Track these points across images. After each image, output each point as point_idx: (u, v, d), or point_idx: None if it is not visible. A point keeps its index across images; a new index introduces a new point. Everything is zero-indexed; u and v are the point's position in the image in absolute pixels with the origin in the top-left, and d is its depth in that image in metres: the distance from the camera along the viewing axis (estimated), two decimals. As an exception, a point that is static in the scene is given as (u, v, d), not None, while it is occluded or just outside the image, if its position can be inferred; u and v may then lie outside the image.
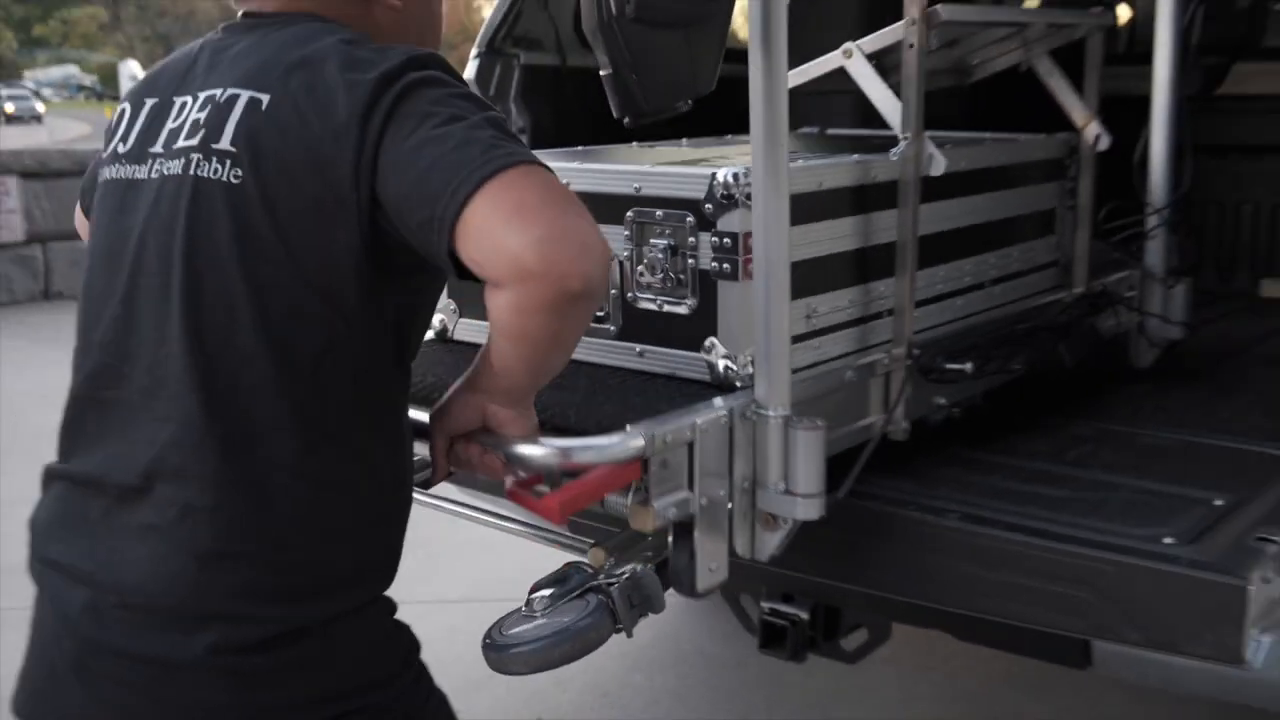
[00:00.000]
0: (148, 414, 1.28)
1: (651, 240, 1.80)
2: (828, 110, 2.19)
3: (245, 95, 1.27)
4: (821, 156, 2.01)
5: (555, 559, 1.57)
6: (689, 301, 1.78)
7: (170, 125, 1.33)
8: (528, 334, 1.24)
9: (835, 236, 1.93)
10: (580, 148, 2.24)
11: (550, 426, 1.51)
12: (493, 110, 1.29)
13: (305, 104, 1.24)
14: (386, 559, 1.40)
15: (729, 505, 1.64)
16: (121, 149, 1.38)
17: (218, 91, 1.30)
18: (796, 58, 1.63)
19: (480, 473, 1.47)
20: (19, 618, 3.84)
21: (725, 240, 1.69)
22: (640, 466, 1.50)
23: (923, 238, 2.04)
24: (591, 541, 1.60)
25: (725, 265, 1.70)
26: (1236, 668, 1.59)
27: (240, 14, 1.41)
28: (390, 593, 1.43)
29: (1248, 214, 4.03)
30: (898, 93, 2.03)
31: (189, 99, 1.33)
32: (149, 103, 1.39)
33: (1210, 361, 2.87)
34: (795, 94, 1.69)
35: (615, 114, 1.52)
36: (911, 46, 1.98)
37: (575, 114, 2.67)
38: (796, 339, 1.72)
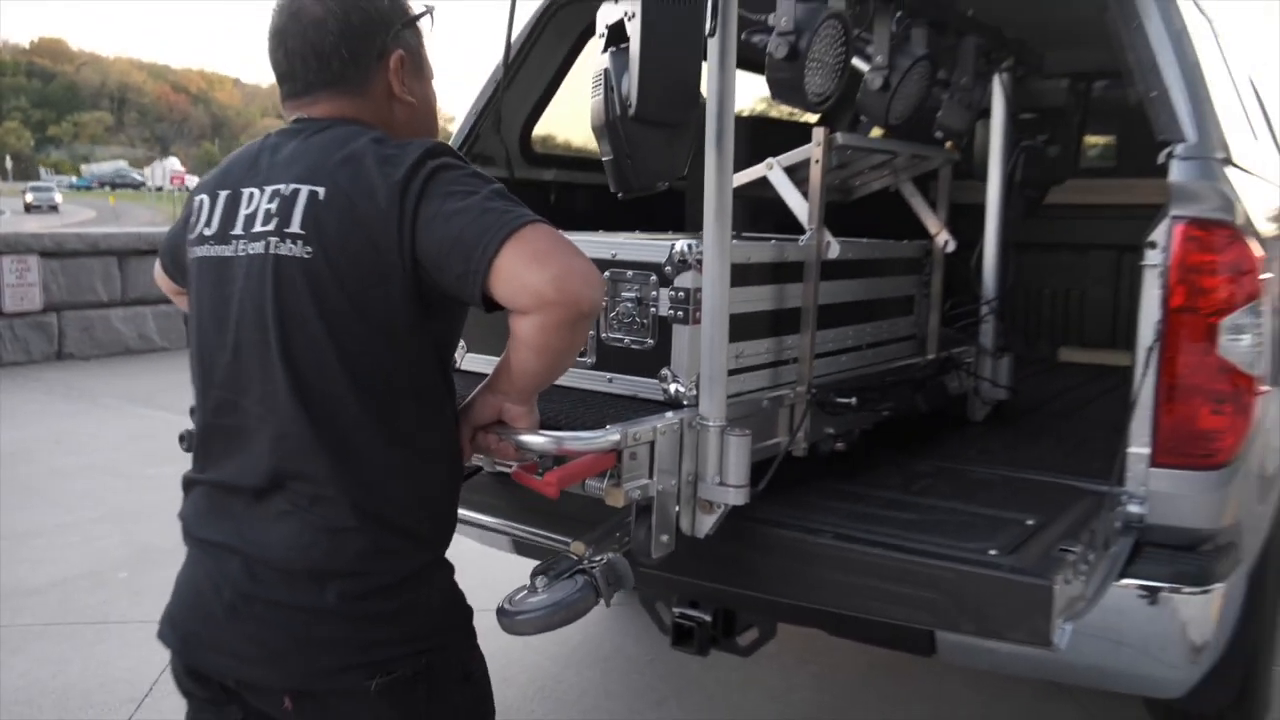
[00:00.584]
0: (264, 433, 1.40)
1: (622, 294, 1.94)
2: (752, 209, 2.31)
3: (305, 189, 1.38)
4: (750, 239, 2.14)
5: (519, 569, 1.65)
6: (649, 341, 1.92)
7: (245, 212, 1.43)
8: (549, 346, 1.37)
9: (758, 299, 2.06)
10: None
11: (547, 427, 1.58)
12: (495, 183, 1.39)
13: (353, 193, 1.35)
14: (447, 523, 1.52)
15: (677, 492, 1.74)
16: (207, 232, 1.47)
17: (283, 186, 1.40)
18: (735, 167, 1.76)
19: (495, 456, 1.57)
20: (18, 636, 3.70)
21: (680, 294, 1.84)
22: (615, 457, 1.60)
23: (820, 306, 2.18)
24: (570, 540, 1.70)
25: (679, 313, 1.85)
26: (1047, 650, 1.63)
27: (292, 120, 1.51)
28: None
29: (1047, 296, 4.20)
30: (805, 196, 2.18)
31: (256, 191, 1.43)
32: (222, 195, 1.48)
33: (1022, 413, 2.99)
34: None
35: (612, 189, 1.61)
36: (817, 162, 2.17)
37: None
38: (729, 373, 1.81)
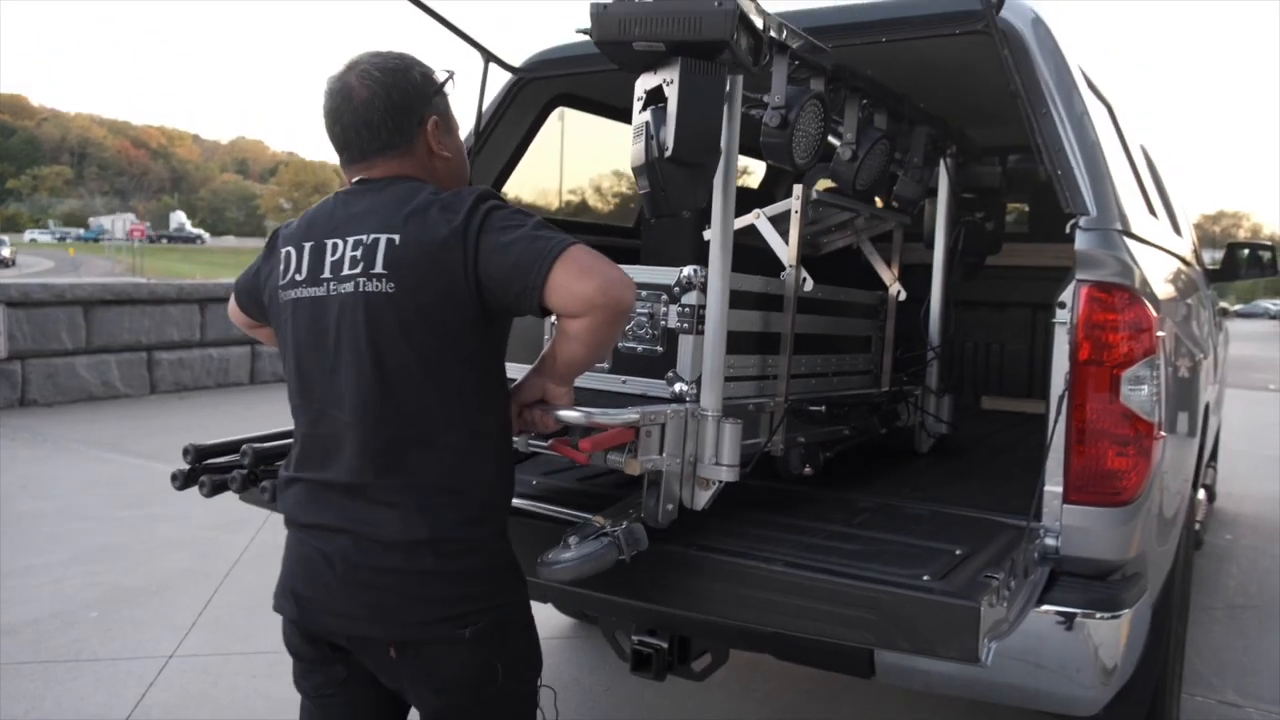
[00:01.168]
0: (356, 438, 1.62)
1: (637, 310, 2.14)
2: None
3: (384, 238, 1.60)
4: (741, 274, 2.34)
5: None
6: (659, 348, 2.15)
7: (331, 259, 1.65)
8: (596, 340, 1.63)
9: (746, 321, 2.30)
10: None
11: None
12: (536, 216, 1.64)
13: (423, 237, 1.59)
14: (506, 496, 1.75)
15: (679, 470, 1.97)
16: (299, 278, 1.69)
17: (364, 236, 1.62)
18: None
19: (538, 428, 1.82)
20: (13, 672, 3.66)
21: (686, 309, 2.09)
22: (634, 433, 1.85)
23: (796, 335, 2.45)
24: (590, 515, 1.95)
25: (685, 325, 2.09)
26: (975, 666, 1.70)
27: (354, 181, 1.73)
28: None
29: (970, 349, 4.37)
30: (786, 240, 2.50)
31: (339, 241, 1.65)
32: (307, 246, 1.69)
33: (951, 455, 3.13)
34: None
35: (647, 215, 1.89)
36: (796, 212, 2.52)
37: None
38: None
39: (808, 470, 2.52)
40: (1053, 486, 2.02)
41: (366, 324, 1.59)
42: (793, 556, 1.94)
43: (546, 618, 2.95)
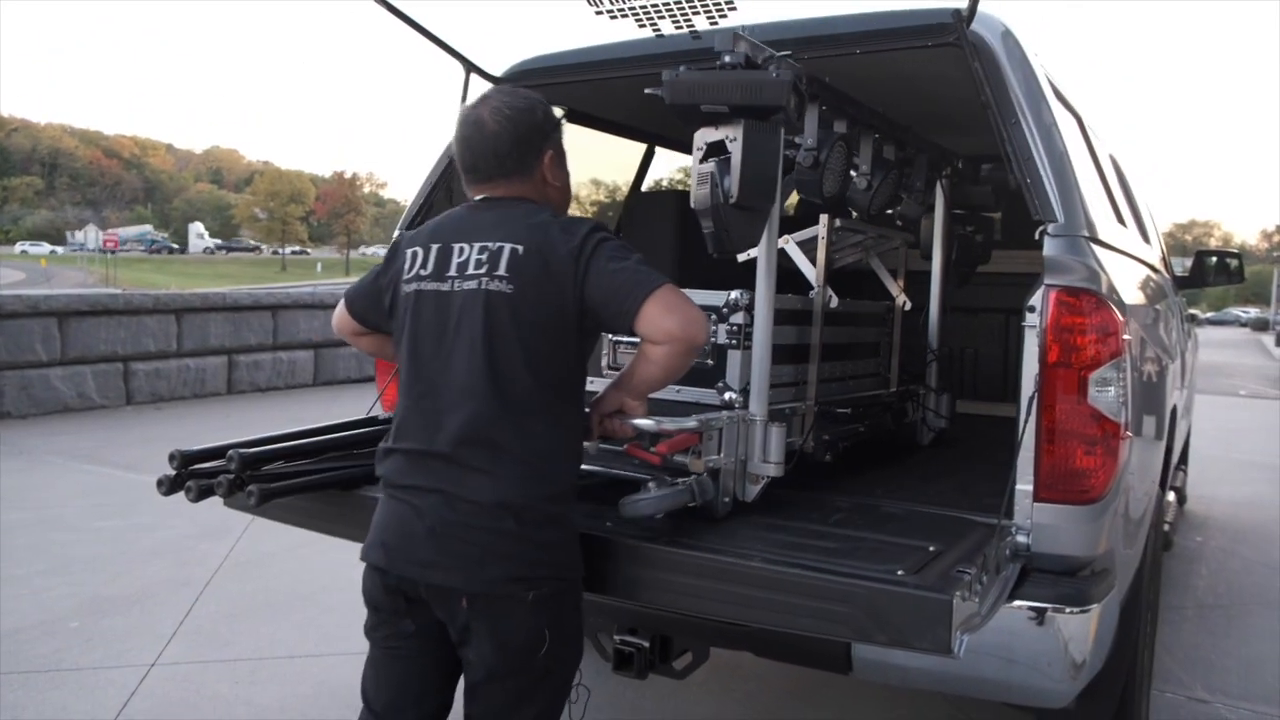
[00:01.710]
0: (460, 414, 1.83)
1: None
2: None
3: (508, 246, 1.86)
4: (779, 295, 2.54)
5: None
6: (709, 361, 2.43)
7: (457, 260, 1.90)
8: (671, 367, 1.90)
9: (782, 335, 2.52)
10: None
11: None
12: (638, 254, 1.90)
13: (543, 250, 1.85)
14: (575, 477, 1.94)
15: (733, 467, 2.26)
16: (424, 273, 1.93)
17: (490, 243, 1.87)
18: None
19: (616, 434, 2.06)
20: (15, 682, 3.65)
21: (734, 328, 2.42)
22: (698, 438, 2.16)
23: (823, 345, 2.74)
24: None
25: (733, 340, 2.42)
26: (948, 657, 1.69)
27: (478, 198, 1.99)
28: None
29: (945, 354, 4.42)
30: (813, 262, 2.80)
31: (466, 245, 1.90)
32: (434, 247, 1.94)
33: (924, 459, 3.20)
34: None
35: (710, 251, 2.11)
36: (822, 239, 2.84)
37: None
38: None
39: (828, 459, 2.77)
40: (1023, 485, 2.06)
41: (484, 316, 1.83)
42: (771, 553, 1.97)
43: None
